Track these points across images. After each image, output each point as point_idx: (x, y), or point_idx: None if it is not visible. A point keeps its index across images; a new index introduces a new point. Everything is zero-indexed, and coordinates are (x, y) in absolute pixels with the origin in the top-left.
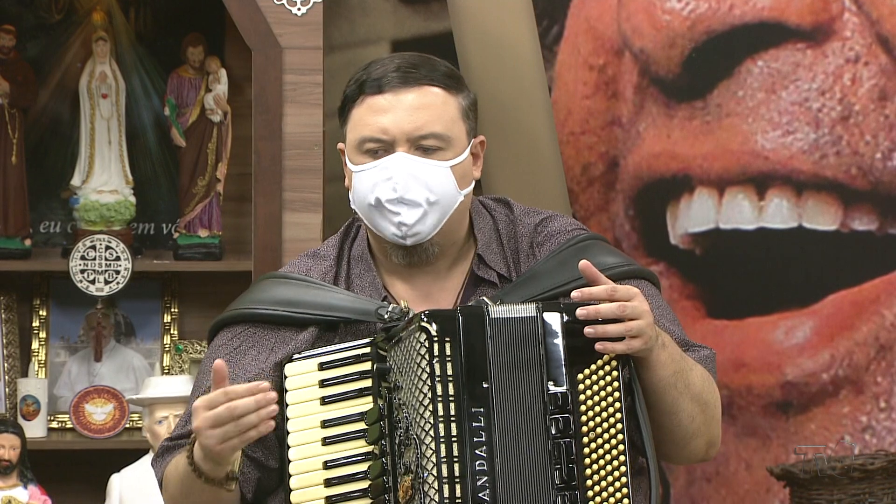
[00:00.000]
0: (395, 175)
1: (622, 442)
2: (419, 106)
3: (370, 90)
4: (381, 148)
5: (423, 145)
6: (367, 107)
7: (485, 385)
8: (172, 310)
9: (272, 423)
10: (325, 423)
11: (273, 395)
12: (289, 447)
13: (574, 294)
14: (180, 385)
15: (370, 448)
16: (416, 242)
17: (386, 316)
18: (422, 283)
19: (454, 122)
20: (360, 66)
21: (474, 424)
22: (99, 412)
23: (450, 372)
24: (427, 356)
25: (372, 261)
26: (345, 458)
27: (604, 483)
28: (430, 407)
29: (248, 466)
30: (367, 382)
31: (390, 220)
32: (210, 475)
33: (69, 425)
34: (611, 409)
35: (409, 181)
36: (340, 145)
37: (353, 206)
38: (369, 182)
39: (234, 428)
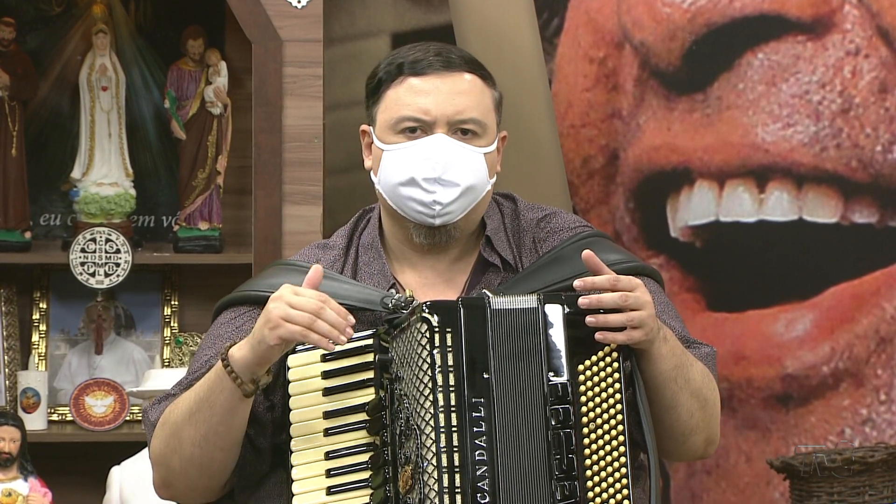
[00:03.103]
0: (434, 155)
1: (622, 433)
2: (461, 91)
3: (410, 71)
4: (418, 127)
5: (463, 129)
6: (408, 87)
7: (485, 376)
8: (172, 302)
9: (333, 345)
10: (328, 415)
11: (352, 332)
12: (291, 438)
13: (576, 283)
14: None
15: (372, 439)
16: (444, 223)
17: (391, 304)
18: (431, 271)
19: (489, 111)
20: (390, 53)
21: (474, 415)
22: (99, 405)
23: (450, 362)
24: (428, 347)
25: (382, 248)
26: (346, 448)
27: (603, 474)
28: (431, 397)
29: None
30: (370, 374)
31: (423, 199)
32: (243, 370)
33: (69, 418)
34: (611, 401)
35: (450, 162)
36: (364, 127)
37: (377, 187)
38: (404, 161)
39: (307, 319)
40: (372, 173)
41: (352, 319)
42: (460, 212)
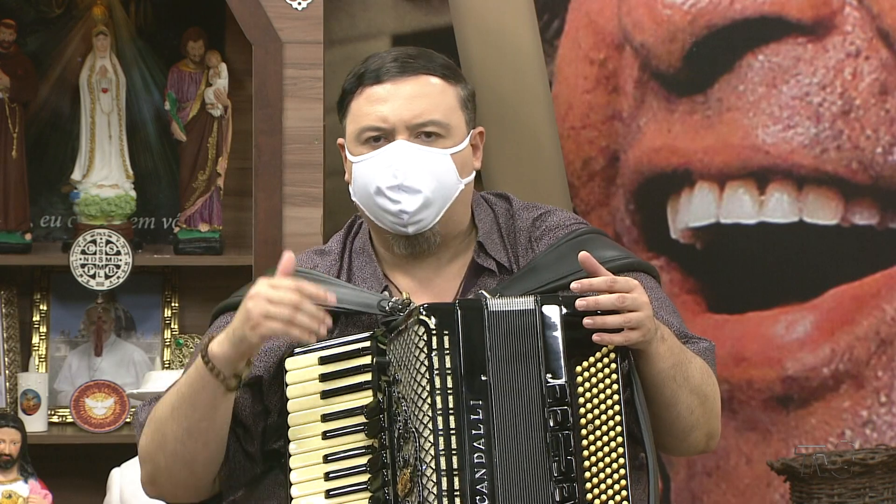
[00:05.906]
0: (394, 162)
1: (621, 434)
2: (418, 94)
3: (368, 81)
4: (381, 136)
5: (423, 132)
6: (366, 97)
7: (483, 378)
8: (173, 304)
9: (315, 337)
10: (326, 417)
11: (330, 321)
12: (289, 441)
13: (573, 285)
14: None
15: (370, 441)
16: (417, 231)
17: (388, 307)
18: (423, 275)
19: (453, 111)
20: (359, 62)
21: (473, 417)
22: (99, 406)
23: (448, 365)
24: (426, 349)
25: (374, 253)
26: (345, 451)
27: (602, 475)
28: (429, 400)
29: (230, 440)
30: (367, 376)
31: (390, 209)
32: (225, 365)
33: (70, 420)
34: (609, 402)
35: (410, 167)
36: (340, 140)
37: (353, 199)
38: (369, 171)
39: (287, 314)
40: (350, 186)
41: (333, 297)
42: (433, 217)
